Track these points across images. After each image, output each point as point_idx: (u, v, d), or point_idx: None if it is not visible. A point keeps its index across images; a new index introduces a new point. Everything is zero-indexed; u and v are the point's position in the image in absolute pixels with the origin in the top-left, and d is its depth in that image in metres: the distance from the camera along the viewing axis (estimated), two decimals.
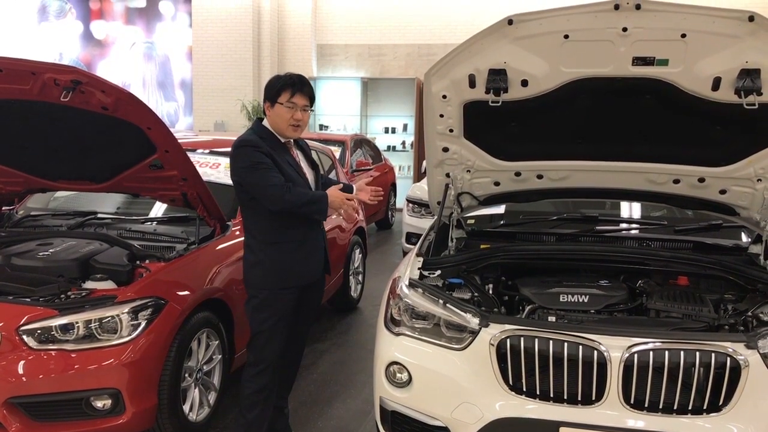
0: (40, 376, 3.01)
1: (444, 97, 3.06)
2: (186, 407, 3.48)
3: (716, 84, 2.72)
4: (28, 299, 3.19)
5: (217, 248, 3.88)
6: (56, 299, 3.19)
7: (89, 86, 3.08)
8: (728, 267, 3.05)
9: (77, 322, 3.07)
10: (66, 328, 3.06)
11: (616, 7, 2.57)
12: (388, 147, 12.74)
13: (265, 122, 3.21)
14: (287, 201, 3.05)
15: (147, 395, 3.20)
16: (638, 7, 2.56)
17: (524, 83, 2.90)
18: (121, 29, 13.81)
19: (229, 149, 4.80)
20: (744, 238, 3.61)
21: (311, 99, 3.21)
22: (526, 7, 9.79)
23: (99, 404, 3.08)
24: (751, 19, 2.50)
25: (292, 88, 3.12)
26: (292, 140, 3.27)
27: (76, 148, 3.69)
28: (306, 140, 3.52)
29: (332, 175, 6.21)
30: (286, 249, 3.18)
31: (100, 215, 4.31)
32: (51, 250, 3.61)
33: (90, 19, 13.92)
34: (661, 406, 2.47)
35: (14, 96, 3.21)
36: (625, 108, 3.01)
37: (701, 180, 3.21)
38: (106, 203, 4.52)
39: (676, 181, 3.27)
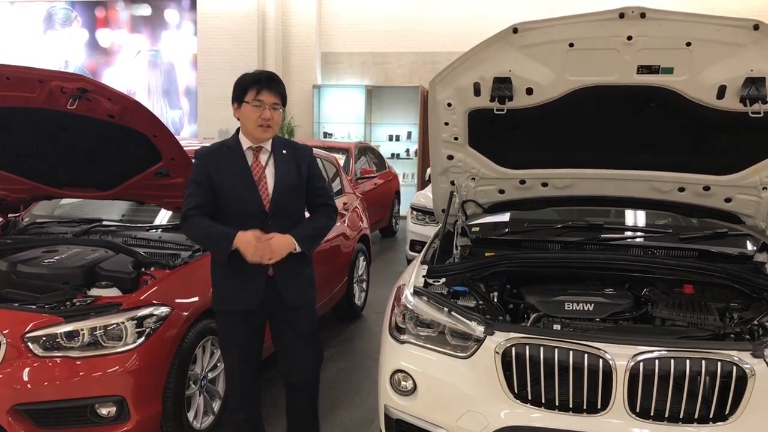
0: (45, 383, 3.01)
1: (449, 105, 3.06)
2: (190, 415, 3.47)
3: (721, 92, 2.72)
4: (34, 306, 3.21)
5: None
6: (61, 306, 3.20)
7: (96, 94, 3.10)
8: (734, 275, 3.05)
9: (82, 330, 3.07)
10: (71, 336, 3.06)
11: (621, 15, 2.57)
12: (392, 155, 12.74)
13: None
14: (184, 228, 2.98)
15: (151, 402, 3.20)
16: (643, 15, 2.56)
17: (529, 91, 2.91)
18: (127, 37, 13.87)
19: None
20: (749, 246, 3.60)
21: (282, 97, 2.96)
22: (531, 15, 9.80)
23: (104, 411, 3.08)
24: (756, 27, 2.50)
25: (257, 85, 2.90)
26: (263, 145, 3.01)
27: (82, 156, 3.71)
28: (307, 146, 3.21)
29: (336, 183, 6.20)
30: (224, 271, 2.97)
31: (105, 222, 4.33)
32: (56, 258, 3.62)
33: (95, 27, 13.99)
34: (666, 415, 2.46)
35: (21, 104, 3.24)
36: (630, 116, 3.01)
37: (706, 188, 3.21)
38: (112, 210, 4.53)
39: (681, 190, 3.27)
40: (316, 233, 3.10)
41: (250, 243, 2.80)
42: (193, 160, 3.00)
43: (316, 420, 3.32)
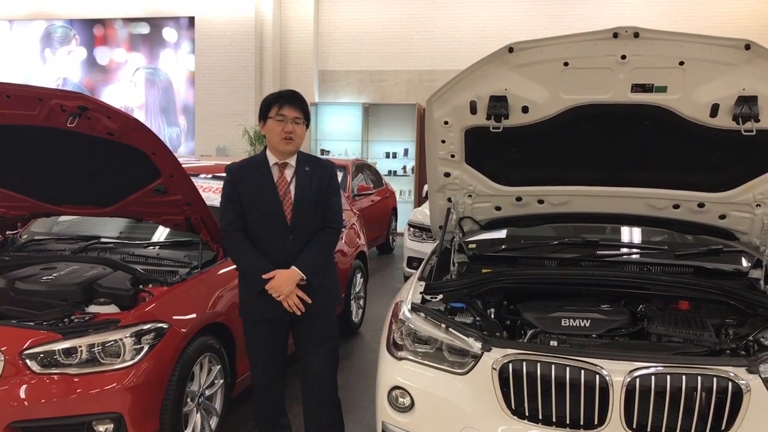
0: (43, 401, 3.00)
1: (446, 123, 3.10)
2: None
3: (714, 110, 2.76)
4: (32, 323, 3.20)
5: (220, 272, 3.89)
6: (60, 323, 3.19)
7: (95, 112, 3.12)
8: (729, 292, 3.07)
9: (80, 346, 3.07)
10: (69, 352, 3.06)
11: (615, 35, 2.61)
12: (389, 172, 12.79)
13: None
14: (225, 244, 3.38)
15: (149, 420, 3.19)
16: (636, 35, 2.60)
17: (525, 110, 2.94)
18: (125, 55, 13.94)
19: None
20: (744, 262, 3.62)
21: (304, 112, 3.18)
22: (526, 34, 9.92)
23: (101, 429, 3.07)
24: (748, 47, 2.54)
25: (280, 100, 3.14)
26: (288, 161, 3.20)
27: (82, 173, 3.73)
28: (329, 162, 3.36)
29: None
30: (246, 282, 3.23)
31: (103, 239, 4.34)
32: (54, 275, 3.63)
33: (94, 45, 14.05)
34: (663, 431, 2.46)
35: (21, 121, 3.26)
36: (624, 134, 3.04)
37: (701, 205, 3.24)
38: (110, 227, 4.54)
39: (676, 206, 3.29)
40: (318, 259, 3.22)
41: (286, 284, 3.09)
42: (225, 175, 3.24)
43: None
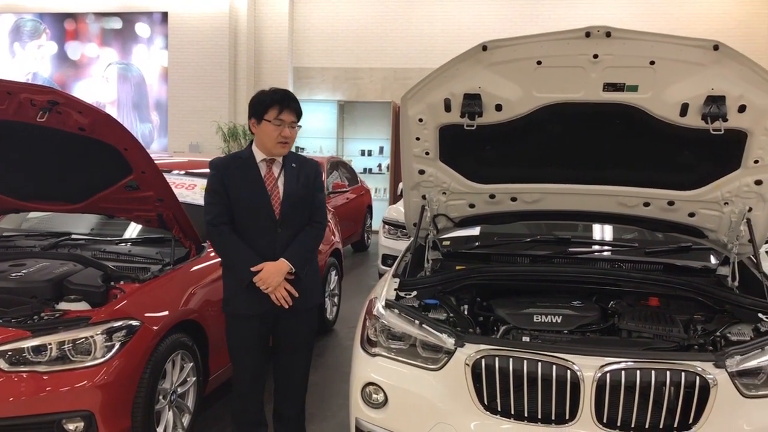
0: (11, 399, 2.95)
1: (420, 120, 3.11)
2: (160, 430, 3.43)
3: (684, 110, 2.80)
4: (0, 320, 3.15)
5: (192, 269, 3.87)
6: (29, 320, 3.14)
7: (66, 107, 3.08)
8: (697, 288, 3.12)
9: (50, 344, 3.03)
10: (39, 350, 3.01)
11: (587, 34, 2.64)
12: (365, 169, 12.78)
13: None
14: (212, 238, 3.25)
15: (120, 418, 3.16)
16: (608, 34, 2.63)
17: (498, 108, 2.96)
18: (97, 50, 13.76)
19: (204, 170, 4.82)
20: (713, 260, 3.68)
21: (298, 115, 3.19)
22: (500, 33, 9.95)
23: (71, 427, 3.03)
24: (716, 48, 2.59)
25: (279, 104, 3.10)
26: (276, 158, 3.22)
27: (52, 169, 3.67)
28: (314, 160, 3.41)
29: None
30: (234, 275, 3.22)
31: (74, 236, 4.28)
32: (24, 271, 3.57)
33: (65, 39, 13.84)
34: (633, 425, 2.50)
35: None
36: (596, 132, 3.07)
37: (671, 203, 3.28)
38: (80, 224, 4.49)
39: (647, 204, 3.34)
40: (306, 253, 3.26)
41: (274, 276, 3.09)
42: (210, 170, 3.21)
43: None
